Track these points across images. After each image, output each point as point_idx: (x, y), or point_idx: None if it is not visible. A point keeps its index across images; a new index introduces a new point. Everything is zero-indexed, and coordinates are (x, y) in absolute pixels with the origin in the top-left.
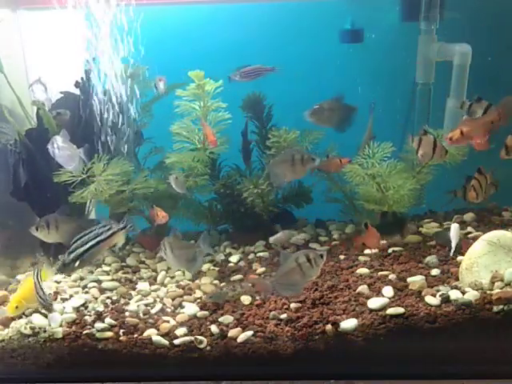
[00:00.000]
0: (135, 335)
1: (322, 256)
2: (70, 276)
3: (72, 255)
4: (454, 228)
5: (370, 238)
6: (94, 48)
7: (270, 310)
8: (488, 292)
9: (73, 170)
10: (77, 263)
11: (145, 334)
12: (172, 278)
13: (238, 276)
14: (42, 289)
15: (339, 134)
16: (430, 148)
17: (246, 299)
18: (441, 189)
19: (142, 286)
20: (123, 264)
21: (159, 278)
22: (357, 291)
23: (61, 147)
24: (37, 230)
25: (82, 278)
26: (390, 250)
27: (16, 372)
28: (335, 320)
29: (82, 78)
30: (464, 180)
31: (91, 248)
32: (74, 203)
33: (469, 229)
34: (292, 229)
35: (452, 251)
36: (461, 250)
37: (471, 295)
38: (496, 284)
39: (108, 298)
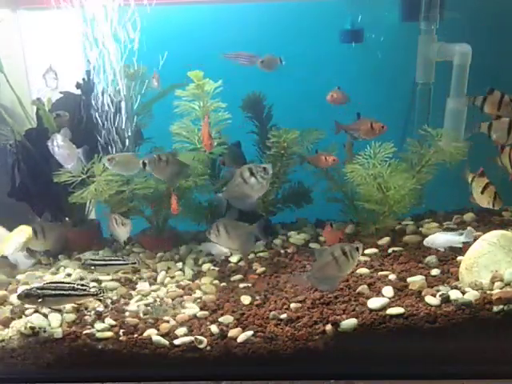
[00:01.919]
0: (135, 335)
1: (357, 249)
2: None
3: (39, 291)
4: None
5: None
6: (94, 48)
7: (270, 310)
8: (488, 292)
9: (72, 170)
10: (39, 300)
11: (145, 334)
12: (172, 278)
13: (238, 276)
14: None
15: (339, 134)
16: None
17: (245, 299)
18: (441, 189)
19: (142, 286)
20: None
21: (159, 278)
22: (357, 291)
23: (60, 145)
24: None
25: (82, 278)
26: (390, 250)
27: (16, 372)
28: (335, 320)
29: (83, 79)
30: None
31: (60, 296)
32: (73, 203)
33: (469, 229)
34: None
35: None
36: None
37: (471, 295)
38: (496, 284)
39: (108, 298)
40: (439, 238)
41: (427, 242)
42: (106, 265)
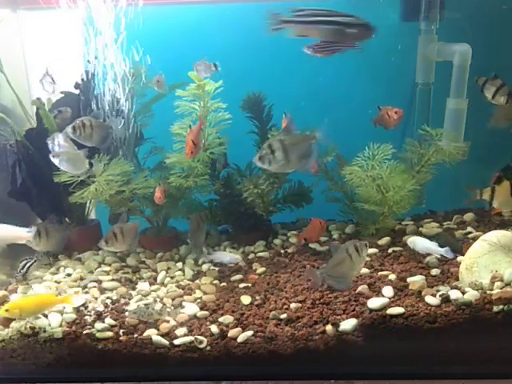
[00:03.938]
0: (135, 335)
1: (366, 245)
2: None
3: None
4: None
5: (310, 231)
6: (94, 48)
7: (270, 310)
8: (488, 292)
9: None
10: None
11: (145, 334)
12: (172, 278)
13: (238, 276)
14: None
15: (340, 134)
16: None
17: (245, 299)
18: (441, 189)
19: (142, 286)
20: (123, 264)
21: (159, 278)
22: (357, 291)
23: (62, 145)
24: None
25: (82, 278)
26: (390, 250)
27: (16, 372)
28: (335, 320)
29: (82, 79)
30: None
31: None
32: (74, 203)
33: (469, 229)
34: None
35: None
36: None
37: (471, 295)
38: (496, 284)
39: (108, 298)
40: (421, 242)
41: (410, 241)
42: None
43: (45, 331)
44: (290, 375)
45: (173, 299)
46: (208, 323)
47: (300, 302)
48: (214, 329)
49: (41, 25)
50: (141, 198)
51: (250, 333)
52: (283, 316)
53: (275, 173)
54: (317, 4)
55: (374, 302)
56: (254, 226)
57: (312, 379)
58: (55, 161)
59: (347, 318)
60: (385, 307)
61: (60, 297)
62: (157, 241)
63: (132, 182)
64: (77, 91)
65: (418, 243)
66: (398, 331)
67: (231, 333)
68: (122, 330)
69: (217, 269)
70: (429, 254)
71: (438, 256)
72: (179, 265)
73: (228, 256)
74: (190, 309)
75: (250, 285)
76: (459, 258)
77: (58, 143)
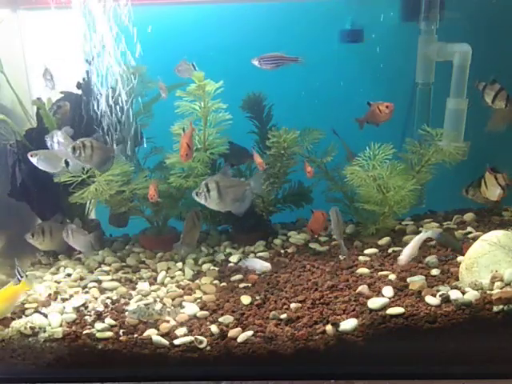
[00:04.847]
0: (135, 335)
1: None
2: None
3: None
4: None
5: (314, 223)
6: (94, 48)
7: (270, 310)
8: (488, 292)
9: (72, 170)
10: None
11: (145, 334)
12: (172, 278)
13: (238, 276)
14: None
15: (340, 134)
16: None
17: (245, 299)
18: (441, 189)
19: (142, 286)
20: (123, 264)
21: (159, 278)
22: (357, 291)
23: (61, 143)
24: (32, 236)
25: (82, 278)
26: (390, 250)
27: (16, 372)
28: (335, 320)
29: (83, 79)
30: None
31: None
32: (74, 203)
33: (469, 229)
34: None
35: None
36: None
37: (471, 295)
38: (496, 284)
39: (108, 298)
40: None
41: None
42: None
43: (45, 331)
44: (290, 375)
45: (173, 299)
46: (208, 323)
47: (300, 302)
48: (214, 329)
49: (41, 25)
50: (141, 198)
51: (250, 333)
52: (283, 316)
53: (275, 173)
54: (317, 4)
55: (374, 302)
56: (254, 226)
57: (312, 379)
58: (33, 160)
59: (347, 318)
60: (385, 307)
61: (16, 286)
62: (157, 241)
63: (132, 182)
64: (76, 91)
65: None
66: (398, 331)
67: (231, 333)
68: (121, 330)
69: (217, 269)
70: (430, 254)
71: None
72: (179, 265)
73: (259, 263)
74: (190, 309)
75: (249, 285)
76: (459, 258)
77: (58, 141)
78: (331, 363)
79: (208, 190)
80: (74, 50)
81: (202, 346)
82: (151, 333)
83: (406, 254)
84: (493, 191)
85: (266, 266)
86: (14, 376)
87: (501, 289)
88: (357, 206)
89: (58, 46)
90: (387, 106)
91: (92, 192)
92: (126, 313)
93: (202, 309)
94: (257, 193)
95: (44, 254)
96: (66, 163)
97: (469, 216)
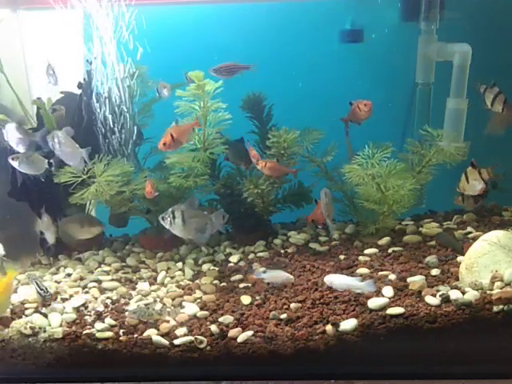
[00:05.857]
0: (135, 335)
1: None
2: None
3: None
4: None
5: (318, 213)
6: (94, 48)
7: (270, 310)
8: (488, 292)
9: (74, 169)
10: None
11: (145, 334)
12: (172, 278)
13: (238, 276)
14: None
15: (339, 134)
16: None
17: (245, 299)
18: (441, 189)
19: (142, 286)
20: (123, 264)
21: (159, 278)
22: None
23: (62, 143)
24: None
25: (82, 278)
26: (390, 250)
27: (16, 372)
28: (335, 320)
29: (84, 79)
30: None
31: None
32: (74, 203)
33: (469, 229)
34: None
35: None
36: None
37: (471, 295)
38: (496, 284)
39: (108, 298)
40: (339, 280)
41: (327, 280)
42: None
43: (45, 331)
44: (290, 375)
45: (173, 299)
46: (208, 323)
47: (300, 302)
48: (214, 329)
49: (41, 25)
50: (141, 198)
51: (250, 333)
52: (283, 316)
53: None
54: (317, 4)
55: (374, 302)
56: (254, 226)
57: (312, 379)
58: (14, 164)
59: (347, 318)
60: (385, 307)
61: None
62: (157, 241)
63: (132, 182)
64: (76, 91)
65: (338, 280)
66: (397, 331)
67: (231, 333)
68: (121, 330)
69: (217, 269)
70: (430, 254)
71: (360, 291)
72: (179, 265)
73: (284, 276)
74: (190, 309)
75: (249, 285)
76: (459, 258)
77: (59, 141)
78: (331, 363)
79: (174, 217)
80: (74, 50)
81: (202, 346)
82: (151, 333)
83: (338, 281)
84: (474, 186)
85: (292, 278)
86: (14, 376)
87: (501, 289)
88: (357, 205)
89: (57, 45)
90: (365, 104)
91: (92, 192)
92: (126, 313)
93: (202, 309)
94: (217, 229)
95: (44, 253)
96: (50, 164)
97: (469, 216)
